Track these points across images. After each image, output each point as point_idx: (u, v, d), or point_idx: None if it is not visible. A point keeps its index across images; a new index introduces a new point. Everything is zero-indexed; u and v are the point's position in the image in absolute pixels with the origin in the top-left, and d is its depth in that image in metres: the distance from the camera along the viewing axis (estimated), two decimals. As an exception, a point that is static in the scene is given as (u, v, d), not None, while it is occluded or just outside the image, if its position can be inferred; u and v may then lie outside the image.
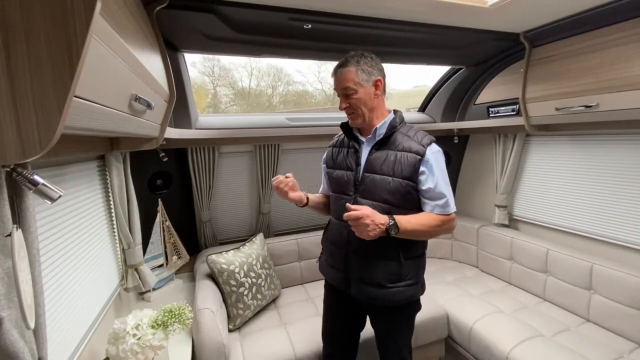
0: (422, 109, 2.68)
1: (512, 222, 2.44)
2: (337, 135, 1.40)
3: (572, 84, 1.59)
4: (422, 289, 1.29)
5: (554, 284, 1.96)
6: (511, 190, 2.40)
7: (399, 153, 1.16)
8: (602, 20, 1.45)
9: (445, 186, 1.15)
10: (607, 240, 1.87)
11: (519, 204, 2.40)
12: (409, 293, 1.22)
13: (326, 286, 1.45)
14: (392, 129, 1.20)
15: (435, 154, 1.16)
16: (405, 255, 1.19)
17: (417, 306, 1.33)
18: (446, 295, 2.06)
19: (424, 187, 1.14)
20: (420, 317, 1.83)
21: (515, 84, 1.93)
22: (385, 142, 1.20)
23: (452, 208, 1.16)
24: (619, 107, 1.43)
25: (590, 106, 1.51)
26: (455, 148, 2.75)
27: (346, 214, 1.03)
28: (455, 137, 2.58)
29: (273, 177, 2.25)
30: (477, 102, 2.36)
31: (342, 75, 1.16)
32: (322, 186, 1.49)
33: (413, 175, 1.13)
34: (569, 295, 1.87)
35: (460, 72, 2.35)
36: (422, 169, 1.13)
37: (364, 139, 1.25)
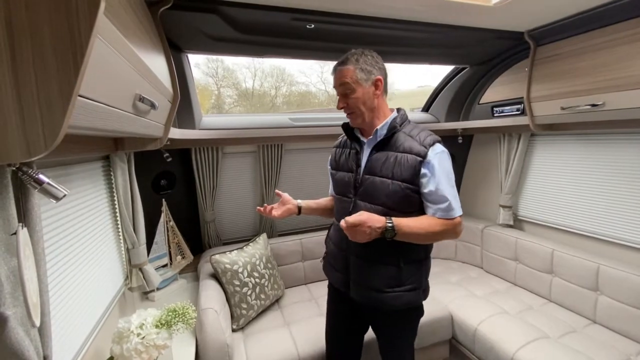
0: (426, 108, 2.67)
1: (517, 223, 2.42)
2: (341, 136, 1.39)
3: (578, 83, 1.57)
4: (424, 294, 1.24)
5: (559, 285, 1.94)
6: (516, 190, 2.38)
7: (399, 154, 1.12)
8: (608, 19, 1.43)
9: (449, 189, 1.09)
10: (614, 241, 1.85)
11: (523, 204, 2.38)
12: (408, 299, 1.18)
13: (329, 286, 1.44)
14: (392, 129, 1.16)
15: (438, 155, 1.10)
16: (405, 260, 1.16)
17: (419, 312, 1.29)
18: (450, 296, 2.05)
19: (425, 190, 1.09)
20: (424, 318, 1.82)
21: (520, 83, 1.91)
22: (386, 143, 1.16)
23: (457, 212, 1.10)
24: (626, 106, 1.41)
25: (597, 105, 1.49)
26: (459, 148, 2.74)
27: (342, 222, 1.02)
28: (459, 137, 2.56)
29: (277, 176, 2.28)
30: (481, 101, 2.35)
31: (341, 73, 1.14)
32: (330, 188, 1.46)
33: (413, 177, 1.09)
34: (575, 297, 1.85)
35: (464, 71, 2.33)
36: (423, 171, 1.08)
37: (365, 140, 1.22)
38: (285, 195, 1.35)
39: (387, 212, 1.10)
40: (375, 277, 1.17)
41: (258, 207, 1.32)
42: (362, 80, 1.13)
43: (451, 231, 1.11)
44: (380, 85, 1.16)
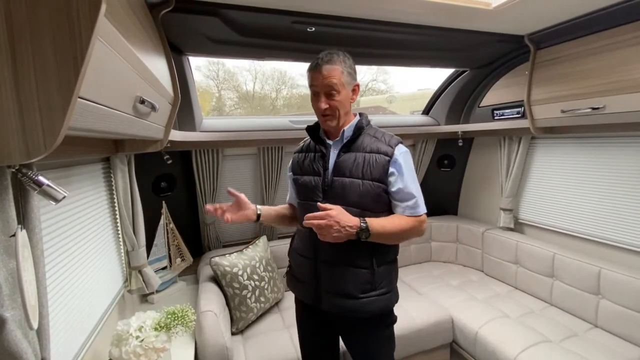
0: (426, 111, 2.68)
1: (518, 226, 2.42)
2: (302, 141, 1.35)
3: (578, 86, 1.57)
4: (395, 298, 1.21)
5: (560, 289, 1.93)
6: (516, 193, 2.37)
7: (367, 155, 1.13)
8: (608, 22, 1.44)
9: (414, 187, 1.13)
10: (615, 244, 1.84)
11: (524, 207, 2.37)
12: (382, 303, 1.15)
13: (297, 302, 1.35)
14: (358, 130, 1.17)
15: (403, 154, 1.13)
16: (379, 262, 1.14)
17: (393, 318, 1.24)
18: (451, 300, 2.04)
19: (393, 189, 1.11)
20: (424, 321, 1.85)
21: (520, 87, 1.91)
22: (352, 145, 1.16)
23: (422, 209, 1.14)
24: (626, 109, 1.41)
25: (597, 108, 1.49)
26: (459, 151, 2.74)
27: (308, 215, 0.98)
28: (460, 140, 2.56)
29: (277, 179, 2.28)
30: (482, 104, 2.35)
31: (329, 72, 1.08)
32: (288, 195, 1.41)
33: (383, 176, 1.11)
34: (576, 300, 1.85)
35: (464, 74, 2.33)
36: (391, 169, 1.11)
37: (331, 142, 1.20)
38: (242, 197, 1.20)
39: (361, 212, 1.08)
40: (349, 283, 1.12)
41: (207, 206, 1.18)
42: (347, 83, 1.11)
43: (418, 228, 1.13)
44: (357, 91, 1.17)
